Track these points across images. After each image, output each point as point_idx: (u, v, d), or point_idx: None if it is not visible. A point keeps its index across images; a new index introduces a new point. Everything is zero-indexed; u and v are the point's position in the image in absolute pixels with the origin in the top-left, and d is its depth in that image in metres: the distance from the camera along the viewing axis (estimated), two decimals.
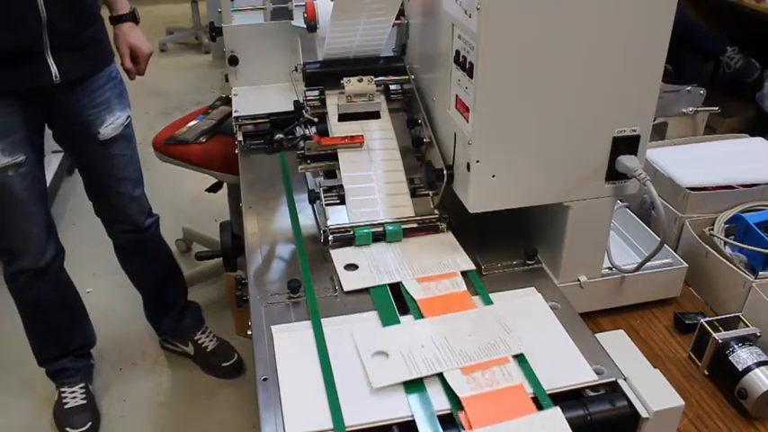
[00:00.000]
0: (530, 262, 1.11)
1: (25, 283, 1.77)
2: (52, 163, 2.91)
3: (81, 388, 1.98)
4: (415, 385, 0.85)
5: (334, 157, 1.19)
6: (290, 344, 0.93)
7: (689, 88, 1.60)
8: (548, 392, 0.84)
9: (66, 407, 1.95)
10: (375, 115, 1.24)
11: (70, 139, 1.76)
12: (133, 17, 1.76)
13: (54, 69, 1.53)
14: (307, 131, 1.24)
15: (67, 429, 1.92)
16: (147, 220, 1.92)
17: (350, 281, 1.05)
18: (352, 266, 1.08)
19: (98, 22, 1.65)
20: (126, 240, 1.94)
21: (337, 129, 1.22)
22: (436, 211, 1.16)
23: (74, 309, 1.97)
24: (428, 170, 1.14)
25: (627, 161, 1.01)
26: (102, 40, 1.67)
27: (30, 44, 1.49)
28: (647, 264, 1.11)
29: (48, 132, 1.74)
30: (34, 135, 1.65)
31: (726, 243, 1.23)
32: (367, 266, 1.08)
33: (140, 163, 1.87)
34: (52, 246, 1.78)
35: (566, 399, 0.84)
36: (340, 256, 1.10)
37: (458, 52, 1.00)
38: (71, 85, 1.61)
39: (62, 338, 1.95)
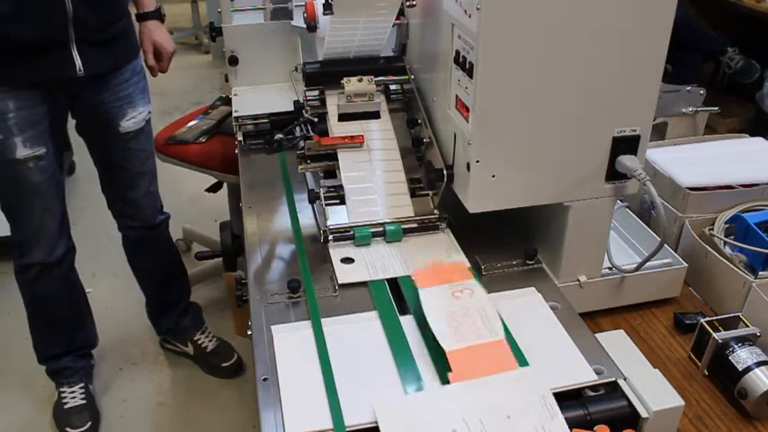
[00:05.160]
0: (530, 262, 1.11)
1: (34, 277, 1.78)
2: None
3: (81, 388, 1.98)
4: None
5: (334, 157, 1.19)
6: (290, 344, 0.93)
7: (689, 88, 1.60)
8: None
9: (65, 407, 1.95)
10: (375, 115, 1.24)
11: (92, 131, 1.77)
12: (159, 15, 1.77)
13: (78, 62, 1.53)
14: (306, 131, 1.24)
15: (67, 429, 1.92)
16: (159, 216, 1.94)
17: (345, 275, 1.06)
18: (348, 260, 1.09)
19: (125, 17, 1.65)
20: (135, 236, 1.95)
21: (337, 129, 1.22)
22: (436, 211, 1.16)
23: (79, 308, 1.97)
24: (428, 170, 1.14)
25: (627, 161, 1.01)
26: (128, 35, 1.68)
27: (54, 37, 1.49)
28: (647, 264, 1.11)
29: None
30: (56, 129, 1.66)
31: (726, 243, 1.23)
32: (363, 262, 1.09)
33: None
34: (64, 242, 1.78)
35: (566, 399, 0.84)
36: (338, 252, 1.11)
37: (458, 52, 1.00)
38: (95, 79, 1.61)
39: (64, 337, 1.95)
